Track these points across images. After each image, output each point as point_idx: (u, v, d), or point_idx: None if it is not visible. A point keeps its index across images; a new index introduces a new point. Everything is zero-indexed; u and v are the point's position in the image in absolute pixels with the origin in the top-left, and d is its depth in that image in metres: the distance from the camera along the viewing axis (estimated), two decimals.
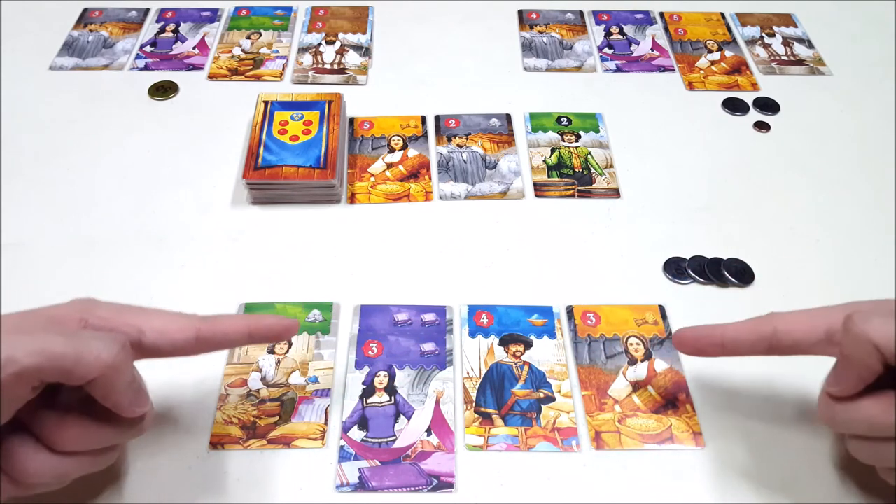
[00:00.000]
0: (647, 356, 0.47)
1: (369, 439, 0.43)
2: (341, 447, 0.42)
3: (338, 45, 0.71)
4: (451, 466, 0.41)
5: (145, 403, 0.35)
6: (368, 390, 0.45)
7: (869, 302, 0.36)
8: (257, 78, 0.67)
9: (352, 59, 0.69)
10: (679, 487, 0.41)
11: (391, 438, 0.43)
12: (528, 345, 0.47)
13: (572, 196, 0.57)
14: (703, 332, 0.40)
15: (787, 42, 0.72)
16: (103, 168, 0.58)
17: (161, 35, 0.72)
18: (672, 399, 0.45)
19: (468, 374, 0.46)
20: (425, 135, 0.62)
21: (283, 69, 0.68)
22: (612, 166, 0.59)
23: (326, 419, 0.43)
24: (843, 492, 0.41)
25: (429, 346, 0.47)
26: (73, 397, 0.34)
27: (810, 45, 0.72)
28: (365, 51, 0.70)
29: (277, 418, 0.44)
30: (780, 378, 0.46)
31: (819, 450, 0.42)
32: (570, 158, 0.60)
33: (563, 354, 0.47)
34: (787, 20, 0.75)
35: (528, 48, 0.71)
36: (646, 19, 0.75)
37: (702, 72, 0.69)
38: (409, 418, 0.44)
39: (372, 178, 0.58)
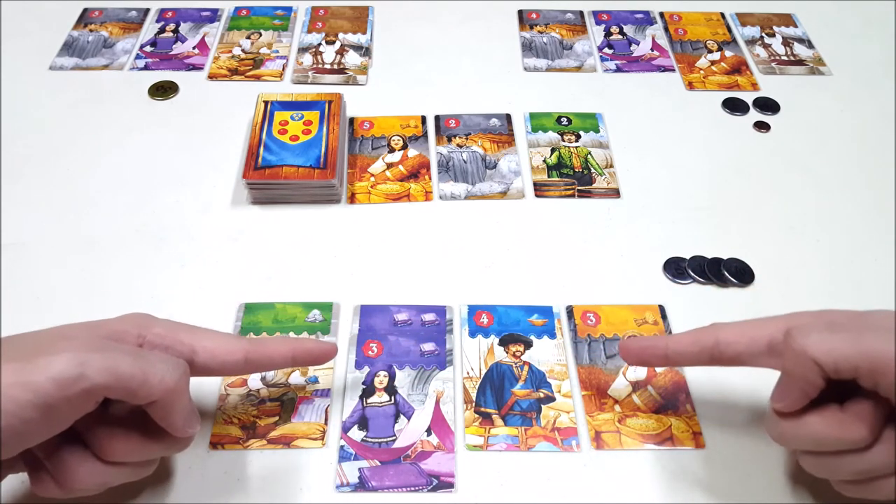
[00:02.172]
0: None
1: (369, 439, 0.43)
2: (341, 447, 0.42)
3: (338, 45, 0.71)
4: (451, 466, 0.41)
5: (196, 424, 0.37)
6: (368, 390, 0.45)
7: (809, 313, 0.36)
8: (257, 78, 0.67)
9: (352, 59, 0.69)
10: (679, 487, 0.41)
11: (391, 438, 0.43)
12: (528, 345, 0.47)
13: (572, 196, 0.57)
14: (647, 342, 0.41)
15: (787, 42, 0.72)
16: (103, 168, 0.58)
17: (161, 35, 0.72)
18: (672, 399, 0.45)
19: (468, 374, 0.46)
20: (425, 135, 0.62)
21: (283, 69, 0.68)
22: (612, 166, 0.59)
23: (326, 419, 0.43)
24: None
25: (429, 346, 0.47)
26: (124, 409, 0.35)
27: (810, 45, 0.72)
28: (365, 51, 0.70)
29: (277, 418, 0.44)
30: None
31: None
32: (570, 158, 0.60)
33: (563, 354, 0.47)
34: (787, 20, 0.75)
35: (528, 48, 0.71)
36: (646, 19, 0.75)
37: (702, 72, 0.69)
38: (409, 418, 0.44)
39: (372, 178, 0.58)
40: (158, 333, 0.36)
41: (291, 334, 0.47)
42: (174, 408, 0.34)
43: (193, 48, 0.70)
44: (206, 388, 0.45)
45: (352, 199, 0.57)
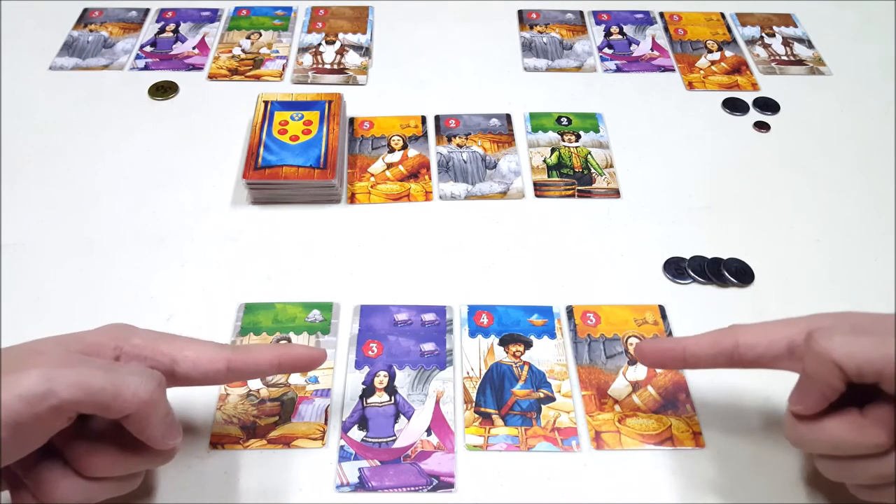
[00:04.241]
0: None
1: (369, 439, 0.43)
2: (341, 447, 0.42)
3: (338, 45, 0.71)
4: (451, 466, 0.41)
5: (177, 436, 0.35)
6: (368, 390, 0.45)
7: (830, 315, 0.36)
8: (257, 78, 0.67)
9: (352, 59, 0.69)
10: (679, 487, 0.41)
11: (391, 438, 0.43)
12: (528, 345, 0.47)
13: (572, 196, 0.57)
14: (664, 345, 0.40)
15: (787, 42, 0.72)
16: (103, 168, 0.58)
17: (161, 35, 0.72)
18: (672, 399, 0.45)
19: (468, 374, 0.46)
20: (425, 135, 0.62)
21: (283, 69, 0.68)
22: (612, 166, 0.59)
23: (326, 419, 0.43)
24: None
25: (429, 346, 0.47)
26: (103, 424, 0.34)
27: (810, 45, 0.72)
28: (365, 51, 0.70)
29: (277, 418, 0.44)
30: (780, 378, 0.46)
31: None
32: (570, 158, 0.60)
33: (563, 354, 0.47)
34: (787, 20, 0.75)
35: (528, 48, 0.71)
36: (646, 19, 0.75)
37: (702, 72, 0.69)
38: (409, 418, 0.44)
39: (372, 178, 0.58)
40: (136, 345, 0.35)
41: (292, 334, 0.47)
42: (150, 420, 0.33)
43: (193, 48, 0.70)
44: (206, 388, 0.45)
45: (352, 199, 0.57)
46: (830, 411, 0.34)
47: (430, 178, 0.58)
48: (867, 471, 0.34)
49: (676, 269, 0.52)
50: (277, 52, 0.70)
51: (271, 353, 0.38)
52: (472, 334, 0.48)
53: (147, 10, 0.74)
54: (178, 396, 0.44)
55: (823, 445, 0.35)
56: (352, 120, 0.63)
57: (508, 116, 0.63)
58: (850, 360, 0.32)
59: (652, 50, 0.71)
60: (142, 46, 0.70)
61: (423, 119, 0.63)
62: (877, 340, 0.32)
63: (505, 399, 0.45)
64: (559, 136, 0.62)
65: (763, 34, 0.73)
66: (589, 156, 0.60)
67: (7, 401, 0.29)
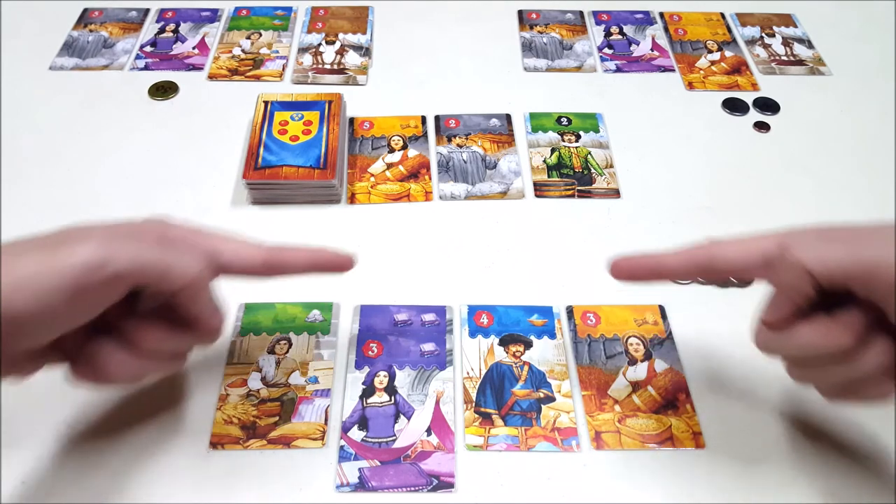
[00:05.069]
0: (647, 356, 0.47)
1: (369, 439, 0.43)
2: (341, 447, 0.42)
3: (338, 45, 0.71)
4: (451, 466, 0.41)
5: (222, 316, 0.38)
6: (368, 390, 0.45)
7: (803, 228, 0.37)
8: (257, 78, 0.67)
9: (352, 59, 0.69)
10: (679, 487, 0.41)
11: (391, 438, 0.43)
12: (528, 345, 0.47)
13: (572, 196, 0.57)
14: (634, 262, 0.40)
15: (787, 42, 0.72)
16: (103, 168, 0.58)
17: (161, 35, 0.72)
18: (672, 399, 0.45)
19: (468, 374, 0.46)
20: (425, 135, 0.62)
21: (283, 69, 0.68)
22: (612, 166, 0.59)
23: (326, 419, 0.43)
24: (843, 492, 0.41)
25: (429, 346, 0.47)
26: (153, 306, 0.36)
27: (810, 45, 0.72)
28: (365, 51, 0.70)
29: (277, 418, 0.44)
30: (780, 378, 0.46)
31: (819, 450, 0.42)
32: (570, 158, 0.60)
33: (563, 354, 0.47)
34: (787, 20, 0.75)
35: (528, 48, 0.71)
36: (646, 19, 0.75)
37: (702, 72, 0.69)
38: (409, 418, 0.44)
39: (372, 179, 0.58)
40: (178, 234, 0.37)
41: (292, 334, 0.48)
42: (198, 298, 0.36)
43: (193, 48, 0.70)
44: (206, 388, 0.45)
45: (352, 199, 0.57)
46: (800, 318, 0.35)
47: (430, 179, 0.58)
48: (834, 373, 0.35)
49: None
50: (277, 52, 0.70)
51: (305, 254, 0.41)
52: (472, 334, 0.48)
53: (147, 10, 0.74)
54: (178, 396, 0.44)
55: (792, 349, 0.36)
56: (352, 120, 0.63)
57: (508, 116, 0.63)
58: (821, 265, 0.33)
59: (652, 50, 0.71)
60: (142, 46, 0.70)
61: (423, 119, 0.63)
62: (846, 247, 0.33)
63: (505, 399, 0.45)
64: (559, 136, 0.62)
65: (763, 34, 0.73)
66: (589, 156, 0.60)
67: (66, 269, 0.31)
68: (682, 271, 0.39)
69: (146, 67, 0.68)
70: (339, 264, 0.42)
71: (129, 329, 0.36)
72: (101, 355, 0.35)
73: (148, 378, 0.38)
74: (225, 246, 0.38)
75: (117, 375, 0.36)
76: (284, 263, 0.40)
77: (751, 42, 0.72)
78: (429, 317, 0.49)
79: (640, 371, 0.46)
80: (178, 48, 0.70)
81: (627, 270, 0.41)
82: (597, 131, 0.62)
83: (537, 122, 0.63)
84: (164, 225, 0.37)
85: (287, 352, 0.47)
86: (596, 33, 0.73)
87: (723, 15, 0.75)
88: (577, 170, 0.59)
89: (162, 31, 0.72)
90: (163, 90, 0.65)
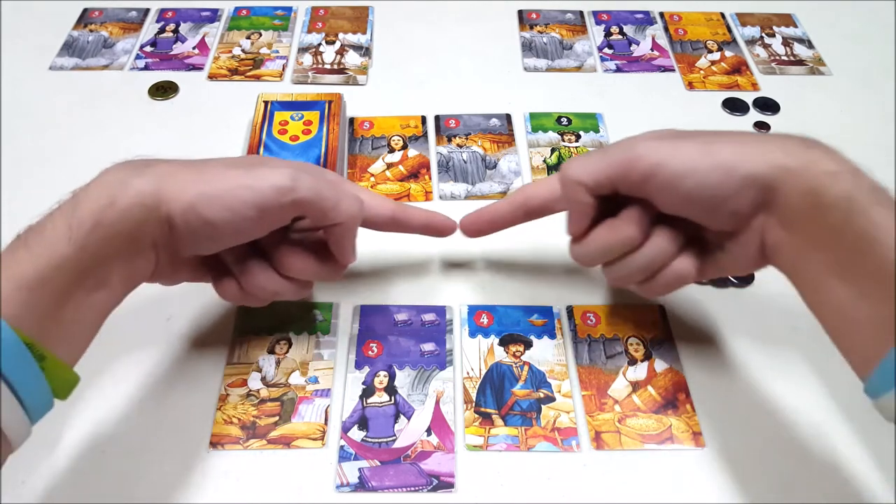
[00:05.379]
0: (647, 356, 0.47)
1: (369, 439, 0.43)
2: (341, 447, 0.42)
3: (338, 45, 0.71)
4: (451, 466, 0.41)
5: (356, 256, 0.43)
6: (368, 390, 0.45)
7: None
8: (257, 78, 0.67)
9: (352, 59, 0.69)
10: (679, 487, 0.41)
11: (391, 438, 0.43)
12: (528, 345, 0.47)
13: None
14: (475, 216, 0.48)
15: (787, 42, 0.72)
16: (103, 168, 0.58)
17: (161, 35, 0.72)
18: (672, 399, 0.45)
19: (468, 374, 0.46)
20: (425, 135, 0.62)
21: (283, 69, 0.68)
22: None
23: (326, 419, 0.43)
24: (843, 492, 0.41)
25: (429, 346, 0.47)
26: (300, 236, 0.42)
27: (810, 45, 0.72)
28: (365, 51, 0.70)
29: (277, 418, 0.44)
30: (779, 378, 0.46)
31: (819, 450, 0.42)
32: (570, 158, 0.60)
33: (563, 354, 0.47)
34: (787, 20, 0.75)
35: (528, 48, 0.71)
36: (646, 19, 0.75)
37: (702, 72, 0.69)
38: (409, 418, 0.44)
39: (372, 178, 0.58)
40: (337, 179, 0.43)
41: (292, 335, 0.48)
42: (350, 234, 0.41)
43: (193, 48, 0.70)
44: (206, 388, 0.45)
45: None
46: (595, 225, 0.41)
47: (430, 178, 0.58)
48: (633, 264, 0.40)
49: None
50: (277, 52, 0.70)
51: (423, 214, 0.47)
52: (472, 334, 0.48)
53: (147, 10, 0.74)
54: (178, 396, 0.44)
55: (593, 252, 0.41)
56: (352, 120, 0.63)
57: (508, 116, 0.63)
58: (585, 174, 0.39)
59: (652, 50, 0.71)
60: (142, 46, 0.70)
61: (423, 119, 0.63)
62: (601, 154, 0.40)
63: (505, 399, 0.45)
64: (559, 137, 0.62)
65: (763, 34, 0.73)
66: None
67: (262, 187, 0.37)
68: (510, 215, 0.46)
69: (146, 67, 0.68)
70: (445, 228, 0.48)
71: (281, 253, 0.41)
72: (252, 271, 0.40)
73: (281, 298, 0.42)
74: (366, 195, 0.44)
75: (262, 289, 0.41)
76: (408, 219, 0.46)
77: (751, 42, 0.72)
78: (429, 317, 0.49)
79: (640, 371, 0.46)
80: (178, 48, 0.70)
81: (472, 225, 0.48)
82: (597, 131, 0.62)
83: (537, 122, 0.63)
84: (325, 170, 0.43)
85: (287, 352, 0.47)
86: (596, 33, 0.73)
87: (723, 15, 0.75)
88: None
89: (162, 31, 0.72)
90: (163, 90, 0.65)
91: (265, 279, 0.41)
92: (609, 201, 0.40)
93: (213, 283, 0.42)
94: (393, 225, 0.46)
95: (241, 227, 0.37)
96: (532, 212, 0.45)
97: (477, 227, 0.48)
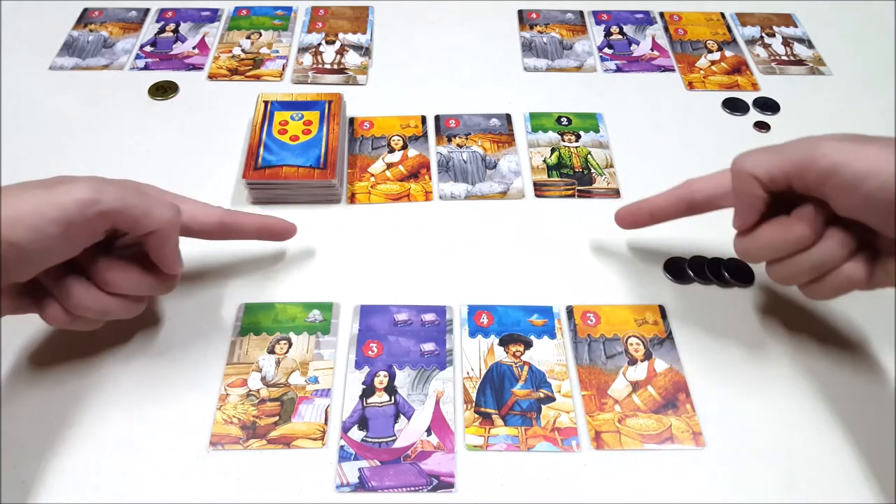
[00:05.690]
0: (647, 356, 0.47)
1: (369, 439, 0.43)
2: (341, 447, 0.42)
3: (338, 45, 0.71)
4: (451, 466, 0.42)
5: (181, 265, 0.42)
6: (368, 390, 0.45)
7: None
8: (257, 78, 0.67)
9: (352, 59, 0.69)
10: (679, 487, 0.41)
11: (391, 438, 0.43)
12: (528, 345, 0.47)
13: (572, 196, 0.57)
14: (633, 208, 0.48)
15: (787, 42, 0.72)
16: (103, 168, 0.58)
17: (161, 35, 0.72)
18: (672, 399, 0.45)
19: (468, 374, 0.46)
20: (425, 135, 0.62)
21: (283, 69, 0.68)
22: (612, 166, 0.59)
23: (326, 419, 0.43)
24: (843, 492, 0.41)
25: (429, 346, 0.47)
26: (122, 252, 0.41)
27: (810, 45, 0.72)
28: (365, 51, 0.70)
29: (277, 418, 0.44)
30: (779, 378, 0.46)
31: (819, 450, 0.42)
32: (570, 158, 0.60)
33: (563, 354, 0.47)
34: (787, 20, 0.75)
35: (528, 48, 0.71)
36: (646, 19, 0.75)
37: (702, 72, 0.69)
38: (409, 418, 0.44)
39: (372, 178, 0.58)
40: (150, 189, 0.42)
41: (292, 334, 0.48)
42: (167, 242, 0.40)
43: (193, 48, 0.70)
44: (206, 388, 0.45)
45: (352, 199, 0.57)
46: (763, 221, 0.40)
47: (430, 178, 0.58)
48: (802, 264, 0.39)
49: (677, 269, 0.52)
50: (277, 52, 0.70)
51: (256, 219, 0.48)
52: (472, 334, 0.48)
53: (147, 10, 0.74)
54: (178, 396, 0.44)
55: (762, 248, 0.41)
56: (352, 120, 0.63)
57: (508, 116, 0.63)
58: (760, 168, 0.39)
59: (652, 50, 0.71)
60: (142, 46, 0.70)
61: (423, 119, 0.63)
62: (777, 150, 0.39)
63: (505, 399, 0.45)
64: (559, 136, 0.62)
65: (763, 34, 0.73)
66: (589, 156, 0.60)
67: (65, 202, 0.35)
68: (673, 208, 0.46)
69: (146, 67, 0.68)
70: (283, 231, 0.48)
71: (101, 268, 0.39)
72: (72, 291, 0.39)
73: (111, 316, 0.41)
74: (185, 205, 0.43)
75: (87, 309, 0.39)
76: (238, 225, 0.46)
77: (751, 42, 0.72)
78: (429, 317, 0.49)
79: (640, 371, 0.46)
80: (178, 48, 0.70)
81: (630, 217, 0.48)
82: (597, 131, 0.62)
83: (537, 121, 0.63)
84: (138, 182, 0.42)
85: (287, 352, 0.47)
86: (596, 33, 0.73)
87: (723, 15, 0.75)
88: (577, 170, 0.59)
89: (162, 30, 0.72)
90: (163, 90, 0.65)
91: (88, 298, 0.39)
92: (776, 198, 0.39)
93: (37, 309, 0.40)
94: (224, 232, 0.46)
95: (49, 247, 0.36)
96: (696, 206, 0.45)
97: (634, 219, 0.48)
